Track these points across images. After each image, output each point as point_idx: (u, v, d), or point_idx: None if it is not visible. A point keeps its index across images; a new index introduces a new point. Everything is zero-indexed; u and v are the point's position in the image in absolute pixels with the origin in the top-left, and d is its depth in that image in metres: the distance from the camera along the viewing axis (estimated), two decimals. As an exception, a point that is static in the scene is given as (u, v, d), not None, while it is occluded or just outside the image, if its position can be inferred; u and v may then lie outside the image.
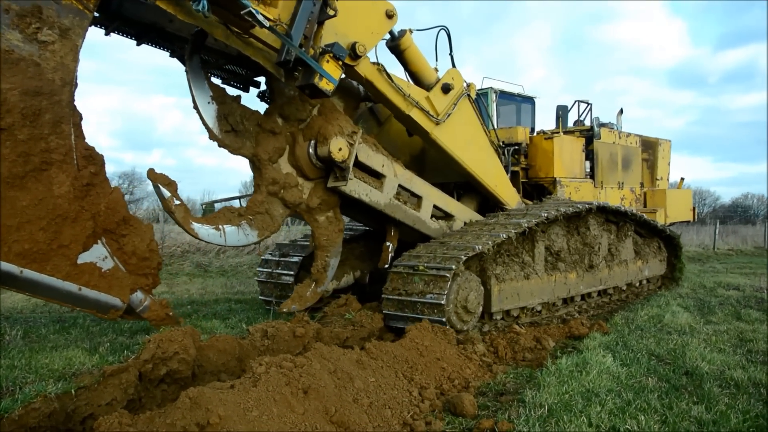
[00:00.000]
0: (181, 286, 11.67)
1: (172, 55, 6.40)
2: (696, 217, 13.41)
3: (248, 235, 6.13)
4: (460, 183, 8.68)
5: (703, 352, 5.78)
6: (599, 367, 5.15)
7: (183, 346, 4.62)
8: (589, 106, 11.34)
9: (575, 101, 11.49)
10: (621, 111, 12.05)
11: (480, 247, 6.40)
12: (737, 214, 51.65)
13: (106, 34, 5.76)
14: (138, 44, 6.01)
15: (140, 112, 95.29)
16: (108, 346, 5.98)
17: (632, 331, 6.80)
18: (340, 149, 6.29)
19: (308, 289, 6.98)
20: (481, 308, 6.55)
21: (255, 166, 6.33)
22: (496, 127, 10.40)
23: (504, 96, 11.05)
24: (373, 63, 6.43)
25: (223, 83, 6.85)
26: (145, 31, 5.95)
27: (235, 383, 3.64)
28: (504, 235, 6.69)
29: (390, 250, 7.46)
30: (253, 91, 7.27)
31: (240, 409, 3.31)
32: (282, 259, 8.47)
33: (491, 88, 10.73)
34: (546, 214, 7.26)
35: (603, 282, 8.78)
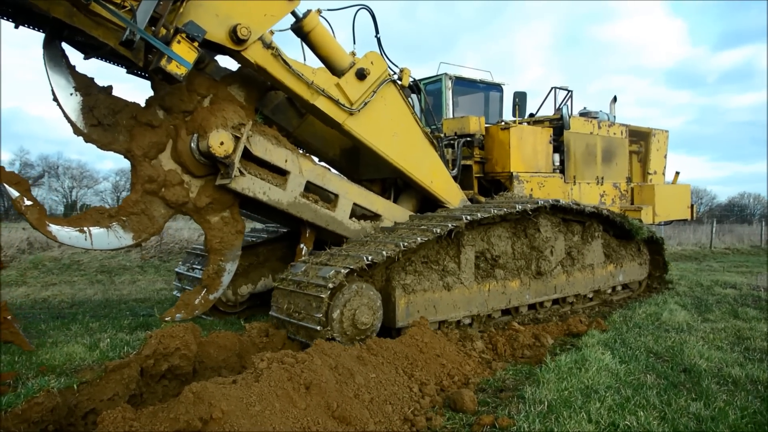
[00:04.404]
0: (180, 282, 11.67)
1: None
2: (694, 215, 12.23)
3: (121, 238, 5.68)
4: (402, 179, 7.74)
5: (701, 350, 5.82)
6: (598, 364, 5.18)
7: (184, 342, 4.65)
8: (569, 94, 10.04)
9: (552, 88, 10.08)
10: (614, 99, 11.13)
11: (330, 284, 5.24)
12: (734, 213, 51.82)
13: None
14: (15, 27, 5.42)
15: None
16: (108, 342, 5.98)
17: (630, 329, 6.83)
18: (221, 143, 5.69)
19: (197, 297, 6.30)
20: (377, 324, 5.70)
21: (130, 162, 5.84)
22: (452, 116, 9.50)
23: (463, 83, 9.88)
24: (267, 47, 5.81)
25: (128, 73, 6.19)
26: (15, 13, 5.34)
27: (237, 378, 3.67)
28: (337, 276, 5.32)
29: (304, 253, 6.78)
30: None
31: (243, 403, 3.33)
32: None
33: (446, 74, 9.62)
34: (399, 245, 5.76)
35: (558, 290, 7.77)
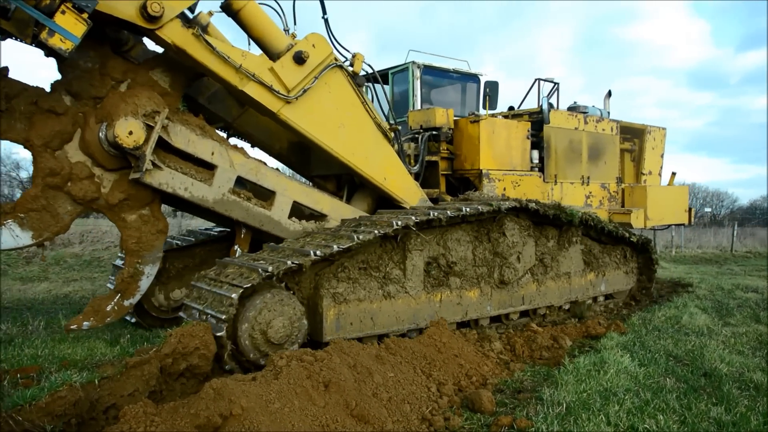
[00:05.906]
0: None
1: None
2: (693, 219, 11.20)
3: (17, 237, 5.13)
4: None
5: (722, 354, 5.75)
6: (617, 366, 5.15)
7: (203, 341, 4.66)
8: (556, 86, 9.32)
9: (536, 80, 9.32)
10: (609, 93, 10.32)
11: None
12: (756, 216, 51.00)
13: None
14: None
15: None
16: (129, 338, 6.08)
17: (649, 332, 6.77)
18: (130, 133, 5.05)
19: (110, 303, 5.60)
20: (299, 339, 5.02)
21: (31, 153, 5.28)
22: (420, 107, 8.66)
23: (433, 72, 8.96)
24: (187, 26, 5.20)
25: (46, 56, 5.31)
26: None
27: (256, 376, 3.71)
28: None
29: (238, 255, 6.06)
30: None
31: (262, 400, 3.36)
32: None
33: (413, 62, 8.70)
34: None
35: (527, 301, 7.05)
